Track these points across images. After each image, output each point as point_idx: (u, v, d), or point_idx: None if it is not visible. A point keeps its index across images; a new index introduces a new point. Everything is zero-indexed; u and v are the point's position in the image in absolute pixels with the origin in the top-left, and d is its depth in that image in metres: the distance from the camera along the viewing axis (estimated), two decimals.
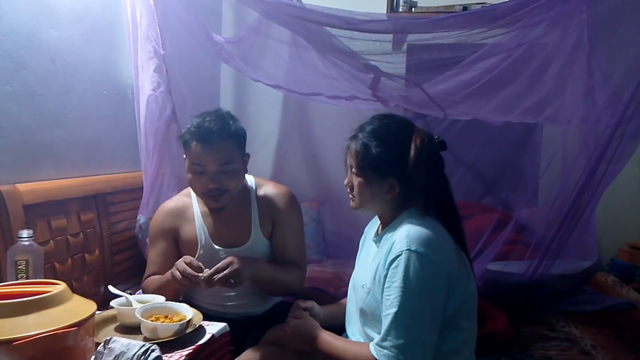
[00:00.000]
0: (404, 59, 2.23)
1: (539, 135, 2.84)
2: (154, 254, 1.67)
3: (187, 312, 1.25)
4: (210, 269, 1.40)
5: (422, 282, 1.16)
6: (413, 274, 1.15)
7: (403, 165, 1.24)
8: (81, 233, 1.82)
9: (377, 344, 1.18)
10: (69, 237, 1.75)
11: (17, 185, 1.56)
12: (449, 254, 1.22)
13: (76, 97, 1.89)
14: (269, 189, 1.71)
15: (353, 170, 1.32)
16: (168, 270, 1.49)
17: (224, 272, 1.39)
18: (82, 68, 1.92)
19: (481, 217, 2.59)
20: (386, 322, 1.17)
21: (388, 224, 1.32)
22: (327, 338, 1.31)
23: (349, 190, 1.36)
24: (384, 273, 1.21)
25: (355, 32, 1.83)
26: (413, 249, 1.17)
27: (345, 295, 1.58)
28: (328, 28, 1.87)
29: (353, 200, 1.35)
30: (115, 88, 2.12)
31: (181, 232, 1.67)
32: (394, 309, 1.16)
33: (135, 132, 2.12)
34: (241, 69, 2.18)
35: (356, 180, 1.31)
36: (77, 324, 0.91)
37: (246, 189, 1.68)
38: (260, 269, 1.55)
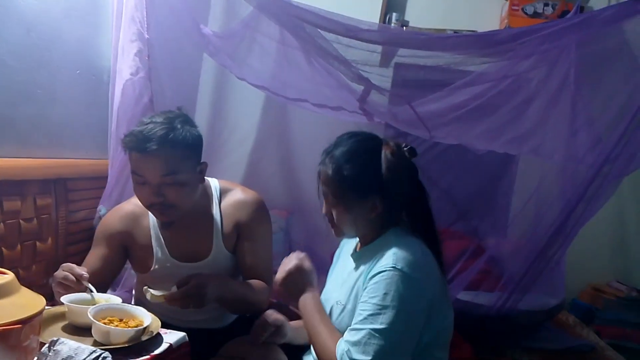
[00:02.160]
0: (391, 74, 2.20)
1: (514, 168, 2.85)
2: (91, 256, 1.50)
3: (144, 317, 1.15)
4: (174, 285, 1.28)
5: (402, 303, 1.10)
6: (395, 293, 1.10)
7: (379, 180, 1.20)
8: (35, 218, 1.68)
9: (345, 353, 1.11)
10: (21, 221, 1.61)
11: None
12: (434, 280, 1.17)
13: (48, 74, 1.76)
14: (235, 195, 1.56)
15: (329, 199, 1.25)
16: (97, 278, 1.36)
17: (182, 290, 1.25)
18: (59, 44, 1.79)
19: (450, 243, 2.56)
20: (355, 336, 1.10)
21: (370, 242, 1.26)
22: (316, 302, 1.25)
23: (327, 219, 1.29)
24: (363, 287, 1.15)
25: (353, 40, 1.77)
26: (399, 267, 1.12)
27: None
28: (324, 32, 1.80)
29: (335, 230, 1.29)
30: (90, 69, 2.00)
31: (134, 241, 1.52)
32: (367, 326, 1.09)
33: (107, 118, 2.00)
34: (227, 64, 2.09)
35: (335, 209, 1.25)
36: (23, 321, 0.80)
37: (207, 195, 1.53)
38: (229, 289, 1.40)
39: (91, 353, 0.89)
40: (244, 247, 1.51)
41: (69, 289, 1.23)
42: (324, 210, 1.29)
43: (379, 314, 1.09)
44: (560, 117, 2.04)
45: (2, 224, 1.52)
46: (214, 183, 1.57)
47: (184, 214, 1.44)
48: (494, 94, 2.01)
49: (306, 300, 1.26)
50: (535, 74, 2.09)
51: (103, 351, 0.91)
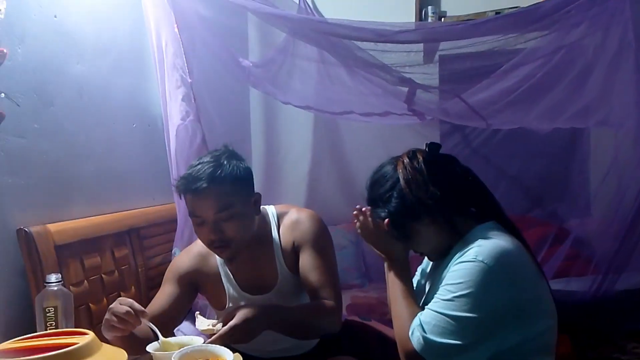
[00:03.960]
0: (437, 69, 2.13)
1: (586, 142, 2.68)
2: (159, 295, 1.50)
3: (227, 355, 1.15)
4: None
5: (479, 294, 1.05)
6: (471, 283, 1.05)
7: (414, 197, 1.18)
8: (116, 270, 1.77)
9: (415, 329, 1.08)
10: (103, 275, 1.70)
11: (48, 225, 1.52)
12: (525, 279, 1.10)
13: (105, 130, 1.86)
14: (290, 216, 1.54)
15: (401, 238, 1.24)
16: (164, 317, 1.37)
17: (227, 328, 1.21)
18: (110, 100, 1.89)
19: (530, 232, 2.42)
20: (428, 317, 1.08)
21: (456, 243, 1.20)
22: (404, 270, 1.22)
23: (419, 255, 1.30)
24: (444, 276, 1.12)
25: (388, 45, 1.74)
26: (480, 259, 1.07)
27: (390, 322, 1.48)
28: (357, 42, 1.78)
29: (423, 254, 1.29)
30: (144, 119, 2.10)
31: (205, 279, 1.53)
32: (441, 310, 1.07)
33: (167, 162, 2.08)
34: (270, 92, 2.12)
35: (408, 243, 1.25)
36: None
37: (266, 223, 1.53)
38: (280, 319, 1.34)
39: None
40: (303, 266, 1.47)
41: (127, 324, 1.20)
42: (410, 248, 1.28)
43: (452, 301, 1.06)
44: (625, 82, 1.89)
45: (86, 281, 1.61)
46: (270, 210, 1.57)
47: (245, 247, 1.45)
48: (547, 71, 1.90)
49: (393, 267, 1.22)
50: (589, 41, 1.95)
51: None
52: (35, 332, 1.14)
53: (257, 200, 1.47)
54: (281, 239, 1.51)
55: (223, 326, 1.22)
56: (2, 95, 1.37)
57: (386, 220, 1.21)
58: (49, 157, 1.60)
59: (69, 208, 1.67)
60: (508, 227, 1.20)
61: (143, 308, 1.24)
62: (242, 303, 1.47)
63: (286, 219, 1.55)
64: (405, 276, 1.21)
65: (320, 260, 1.46)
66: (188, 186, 1.36)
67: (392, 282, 1.21)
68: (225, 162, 1.39)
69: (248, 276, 1.51)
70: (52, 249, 1.49)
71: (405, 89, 1.91)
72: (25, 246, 1.44)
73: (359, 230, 1.30)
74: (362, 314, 2.25)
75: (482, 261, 1.06)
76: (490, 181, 1.24)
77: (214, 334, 1.22)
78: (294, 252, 1.49)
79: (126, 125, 1.99)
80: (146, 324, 1.24)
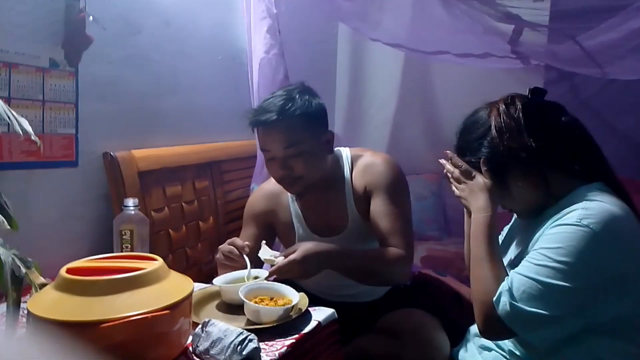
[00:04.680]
0: (548, 5, 1.87)
1: None
2: (242, 237, 1.51)
3: (293, 295, 1.13)
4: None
5: (578, 262, 0.93)
6: (572, 249, 0.93)
7: (510, 147, 1.06)
8: (196, 201, 1.81)
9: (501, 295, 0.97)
10: (183, 204, 1.74)
11: (132, 151, 1.56)
12: (632, 246, 0.96)
13: (190, 63, 1.85)
14: (364, 159, 1.48)
15: (491, 192, 1.11)
16: (250, 257, 1.35)
17: (284, 262, 1.21)
18: (197, 32, 1.87)
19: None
20: (518, 283, 0.96)
21: (554, 204, 1.07)
22: (490, 228, 1.09)
23: (508, 211, 1.19)
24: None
25: None
26: (585, 223, 0.94)
27: (467, 280, 1.39)
28: None
29: (518, 214, 1.18)
30: (230, 52, 2.06)
31: (277, 219, 1.54)
32: (533, 275, 0.95)
33: (250, 98, 2.05)
34: (359, 27, 1.99)
35: (500, 200, 1.12)
36: (171, 307, 0.82)
37: (339, 165, 1.47)
38: (341, 262, 1.30)
39: (238, 335, 0.89)
40: (374, 211, 1.40)
41: (233, 261, 1.29)
42: (500, 209, 1.15)
43: (548, 267, 0.94)
44: None
45: (166, 208, 1.65)
46: (345, 152, 1.51)
47: (315, 186, 1.41)
48: None
49: (479, 221, 1.09)
50: None
51: (250, 333, 0.91)
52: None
53: (329, 140, 1.43)
54: (353, 182, 1.46)
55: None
56: (91, 18, 1.37)
57: (484, 166, 1.09)
58: (135, 87, 1.62)
59: (153, 137, 1.70)
60: (617, 189, 1.04)
61: (244, 244, 1.30)
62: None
63: (360, 162, 1.49)
64: (491, 234, 1.08)
65: (392, 207, 1.39)
66: (258, 118, 1.35)
67: (476, 239, 1.08)
68: (297, 97, 1.36)
69: (318, 217, 1.48)
70: (136, 174, 1.54)
71: (510, 27, 1.69)
72: (110, 170, 1.49)
73: (448, 177, 1.18)
74: (438, 268, 2.18)
75: (587, 225, 0.94)
76: (599, 139, 1.10)
77: (274, 265, 1.22)
78: (365, 196, 1.44)
79: (212, 58, 1.96)
80: (244, 258, 1.29)
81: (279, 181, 1.42)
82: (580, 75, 2.41)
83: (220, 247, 1.34)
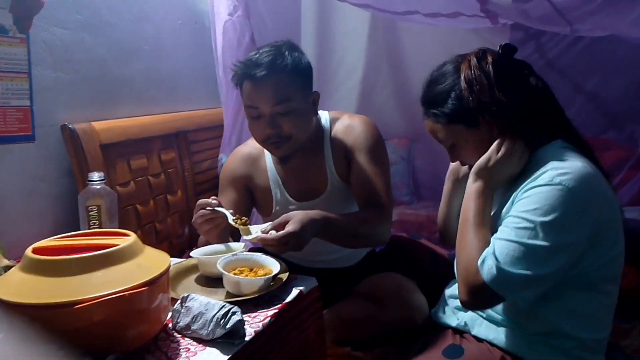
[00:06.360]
0: None
1: None
2: (222, 203, 1.45)
3: (272, 265, 1.11)
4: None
5: (559, 219, 0.93)
6: (549, 208, 0.93)
7: (474, 99, 1.05)
8: (162, 173, 1.74)
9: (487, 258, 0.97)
10: (150, 177, 1.68)
11: (93, 123, 1.48)
12: (603, 199, 0.97)
13: (151, 27, 1.75)
14: (343, 122, 1.45)
15: (449, 147, 1.14)
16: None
17: (275, 235, 1.12)
18: None
19: (605, 155, 2.21)
20: (500, 247, 0.95)
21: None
22: (482, 197, 1.06)
23: (460, 164, 1.20)
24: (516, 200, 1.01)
25: None
26: (557, 181, 0.95)
27: (440, 242, 1.40)
28: None
29: (471, 166, 1.13)
30: (192, 16, 1.96)
31: (255, 183, 1.49)
32: (514, 238, 0.95)
33: (214, 64, 1.97)
34: None
35: (459, 152, 1.13)
36: (148, 283, 0.78)
37: (319, 128, 1.43)
38: (331, 227, 1.24)
39: (221, 308, 0.87)
40: (354, 173, 1.38)
41: (211, 221, 1.21)
42: (451, 160, 1.18)
43: (529, 229, 0.94)
44: None
45: (132, 182, 1.58)
46: (324, 115, 1.48)
47: (298, 148, 1.37)
48: None
49: (471, 189, 1.07)
50: None
51: (232, 305, 0.88)
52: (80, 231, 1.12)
53: (315, 100, 1.39)
54: (333, 145, 1.43)
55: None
56: None
57: (436, 124, 1.09)
58: (94, 53, 1.52)
59: (116, 108, 1.62)
60: (581, 147, 1.05)
61: (212, 200, 1.23)
62: (291, 208, 1.42)
63: (338, 124, 1.46)
64: (483, 197, 1.05)
65: (374, 167, 1.37)
66: (247, 71, 1.29)
67: (469, 206, 1.06)
68: (286, 53, 1.31)
69: (297, 181, 1.45)
70: (98, 147, 1.46)
71: None
72: (70, 143, 1.40)
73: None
74: (411, 231, 2.19)
75: (560, 183, 0.94)
76: (565, 98, 1.10)
77: (260, 239, 1.14)
78: (345, 159, 1.41)
79: (174, 22, 1.86)
80: (220, 210, 1.22)
81: (263, 142, 1.35)
82: (546, 36, 2.42)
83: (194, 216, 1.25)
